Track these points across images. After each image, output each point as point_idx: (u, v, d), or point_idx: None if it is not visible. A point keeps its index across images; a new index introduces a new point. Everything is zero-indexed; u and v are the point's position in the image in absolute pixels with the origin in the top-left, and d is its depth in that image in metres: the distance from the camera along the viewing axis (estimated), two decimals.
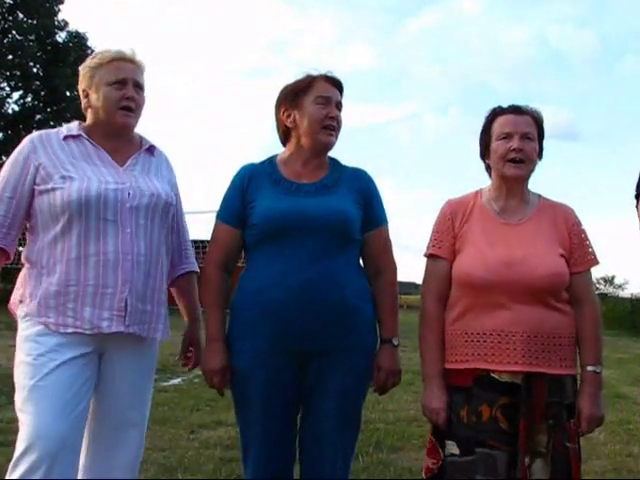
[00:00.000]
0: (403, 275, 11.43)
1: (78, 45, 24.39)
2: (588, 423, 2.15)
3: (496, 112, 2.31)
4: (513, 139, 2.22)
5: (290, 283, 2.24)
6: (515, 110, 2.28)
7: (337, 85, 2.40)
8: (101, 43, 24.76)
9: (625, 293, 27.84)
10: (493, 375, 2.17)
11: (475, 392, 2.18)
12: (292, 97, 2.38)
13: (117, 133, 2.34)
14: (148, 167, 2.38)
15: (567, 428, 2.14)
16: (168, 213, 2.35)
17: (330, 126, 2.34)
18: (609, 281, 28.59)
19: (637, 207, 2.23)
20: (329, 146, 2.39)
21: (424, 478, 2.28)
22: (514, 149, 2.21)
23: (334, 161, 2.47)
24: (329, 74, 2.40)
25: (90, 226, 2.18)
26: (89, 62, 2.34)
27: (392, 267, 2.45)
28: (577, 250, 2.25)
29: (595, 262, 2.27)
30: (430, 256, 2.35)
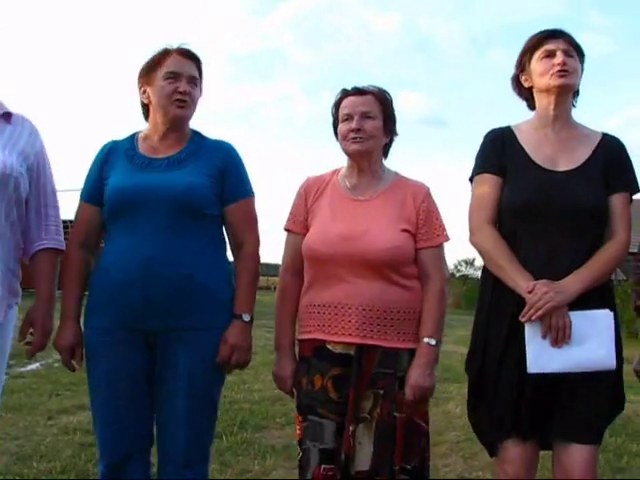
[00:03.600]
0: (270, 256, 11.40)
1: None
2: (412, 391, 2.21)
3: (342, 95, 2.39)
4: (353, 120, 2.30)
5: (131, 260, 2.22)
6: (357, 92, 2.35)
7: (192, 58, 2.37)
8: None
9: None
10: (328, 346, 2.25)
11: (312, 362, 2.27)
12: (146, 73, 2.36)
13: None
14: None
15: (397, 399, 2.21)
16: (7, 185, 2.18)
17: (179, 100, 2.30)
18: (470, 263, 30.08)
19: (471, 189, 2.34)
20: (181, 120, 2.35)
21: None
22: (353, 129, 2.29)
23: (196, 134, 2.43)
24: (183, 47, 2.36)
25: None
26: None
27: (252, 240, 2.39)
28: (424, 226, 2.31)
29: (444, 239, 2.35)
30: (287, 231, 2.42)
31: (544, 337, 2.08)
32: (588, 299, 2.10)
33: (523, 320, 2.08)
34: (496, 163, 2.28)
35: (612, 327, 2.11)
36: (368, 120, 2.30)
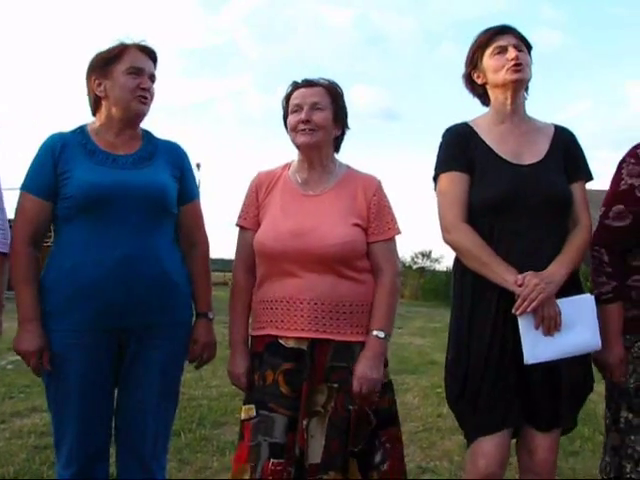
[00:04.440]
0: (228, 253, 11.44)
1: None
2: (359, 383, 2.20)
3: (292, 88, 2.38)
4: (302, 111, 2.30)
5: (108, 259, 2.18)
6: (307, 84, 2.36)
7: (151, 56, 2.36)
8: None
9: (441, 266, 29.64)
10: (280, 341, 2.25)
11: (265, 358, 2.26)
12: (103, 66, 2.30)
13: None
14: None
15: (351, 392, 2.21)
16: None
17: (142, 96, 2.30)
18: (426, 255, 30.30)
19: (435, 189, 2.35)
20: (141, 116, 2.35)
21: None
22: (302, 120, 2.29)
23: (147, 133, 2.43)
24: (143, 43, 2.34)
25: None
26: None
27: (205, 240, 2.48)
28: (375, 220, 2.31)
29: (395, 232, 2.35)
30: (238, 227, 2.41)
31: (537, 328, 2.11)
32: (566, 286, 2.16)
33: (518, 313, 2.10)
34: (463, 160, 2.28)
35: (594, 310, 2.18)
36: (317, 111, 2.30)
